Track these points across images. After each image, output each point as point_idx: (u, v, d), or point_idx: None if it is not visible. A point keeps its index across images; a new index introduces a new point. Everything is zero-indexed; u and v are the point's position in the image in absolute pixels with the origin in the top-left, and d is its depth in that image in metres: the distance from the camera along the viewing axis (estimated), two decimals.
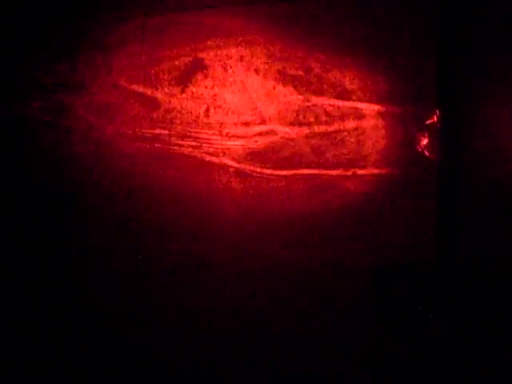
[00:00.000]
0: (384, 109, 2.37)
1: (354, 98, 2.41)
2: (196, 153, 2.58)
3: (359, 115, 2.40)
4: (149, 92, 2.67)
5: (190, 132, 2.60)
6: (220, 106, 2.57)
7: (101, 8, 2.77)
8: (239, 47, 2.55)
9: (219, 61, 2.57)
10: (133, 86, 2.68)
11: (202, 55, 2.60)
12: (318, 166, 2.42)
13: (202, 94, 2.59)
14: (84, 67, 2.76)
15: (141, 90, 2.68)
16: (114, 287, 2.60)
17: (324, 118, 2.44)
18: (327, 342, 2.35)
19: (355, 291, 2.33)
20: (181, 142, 2.61)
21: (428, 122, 2.31)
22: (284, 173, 2.46)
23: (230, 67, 2.56)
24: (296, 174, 2.46)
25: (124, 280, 2.59)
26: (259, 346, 2.42)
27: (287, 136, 2.47)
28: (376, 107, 2.38)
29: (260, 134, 2.51)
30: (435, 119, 2.31)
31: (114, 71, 2.71)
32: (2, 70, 2.85)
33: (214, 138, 2.56)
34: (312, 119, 2.45)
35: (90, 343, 2.60)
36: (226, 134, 2.54)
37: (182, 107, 2.62)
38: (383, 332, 2.29)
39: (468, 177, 2.29)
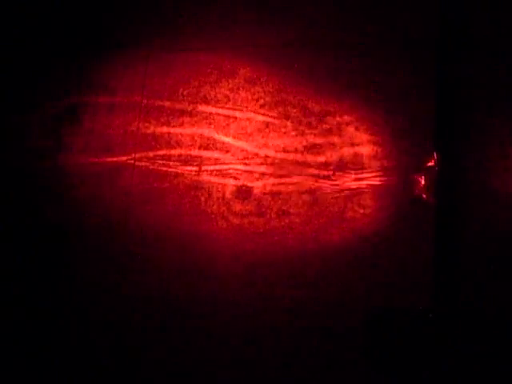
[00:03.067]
0: (382, 152, 2.40)
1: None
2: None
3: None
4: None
5: None
6: None
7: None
8: None
9: None
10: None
11: None
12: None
13: None
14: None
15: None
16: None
17: None
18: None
19: (349, 334, 2.33)
20: (180, 167, 2.63)
21: (426, 165, 2.33)
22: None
23: None
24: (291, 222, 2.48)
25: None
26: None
27: None
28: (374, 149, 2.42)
29: None
30: (433, 162, 2.33)
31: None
32: None
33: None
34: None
35: None
36: None
37: None
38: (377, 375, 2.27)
39: (466, 220, 2.30)
